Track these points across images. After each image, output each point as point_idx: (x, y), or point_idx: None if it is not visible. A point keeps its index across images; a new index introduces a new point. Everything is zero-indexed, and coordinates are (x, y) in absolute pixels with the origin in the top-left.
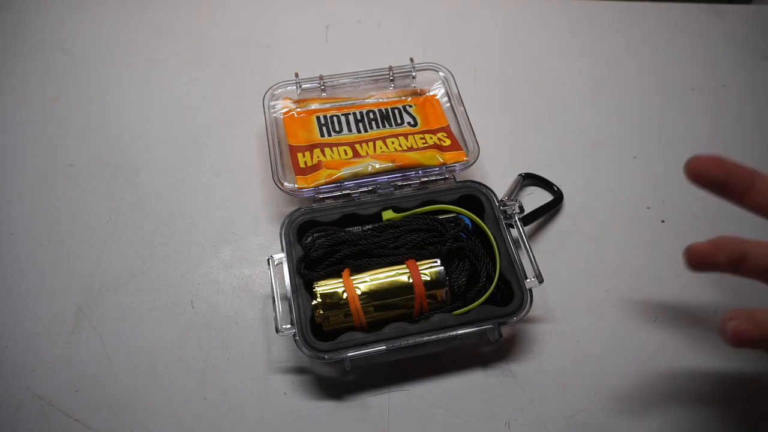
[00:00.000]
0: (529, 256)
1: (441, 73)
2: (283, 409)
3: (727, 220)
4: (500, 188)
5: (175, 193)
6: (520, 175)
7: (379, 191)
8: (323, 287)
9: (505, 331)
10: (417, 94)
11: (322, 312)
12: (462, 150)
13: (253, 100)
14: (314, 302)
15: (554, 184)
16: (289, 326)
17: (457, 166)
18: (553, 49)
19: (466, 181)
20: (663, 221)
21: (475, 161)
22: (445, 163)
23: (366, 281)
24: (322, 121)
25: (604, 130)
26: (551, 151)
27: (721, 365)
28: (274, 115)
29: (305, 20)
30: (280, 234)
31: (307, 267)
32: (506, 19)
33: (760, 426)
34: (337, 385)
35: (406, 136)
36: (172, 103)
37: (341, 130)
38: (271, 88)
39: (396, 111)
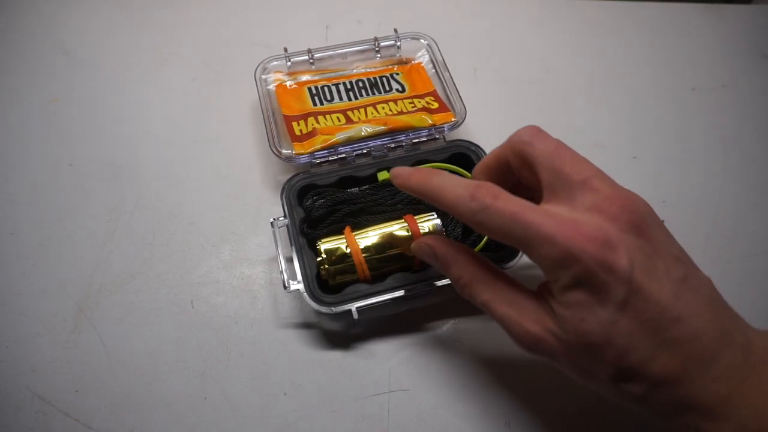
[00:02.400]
0: None
1: (424, 41)
2: (283, 408)
3: (727, 220)
4: None
5: (175, 193)
6: None
7: (373, 154)
8: (327, 243)
9: None
10: (403, 62)
11: (327, 267)
12: (450, 111)
13: (252, 100)
14: (319, 258)
15: None
16: (296, 282)
17: (446, 127)
18: (553, 49)
19: (456, 140)
20: (663, 221)
21: (462, 121)
22: (434, 125)
23: (368, 235)
24: (314, 92)
25: (604, 130)
26: None
27: None
28: (267, 87)
29: (305, 20)
30: (281, 198)
31: (310, 227)
32: (506, 19)
33: None
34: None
35: (395, 101)
36: (172, 103)
37: (332, 98)
38: (262, 62)
39: (384, 79)
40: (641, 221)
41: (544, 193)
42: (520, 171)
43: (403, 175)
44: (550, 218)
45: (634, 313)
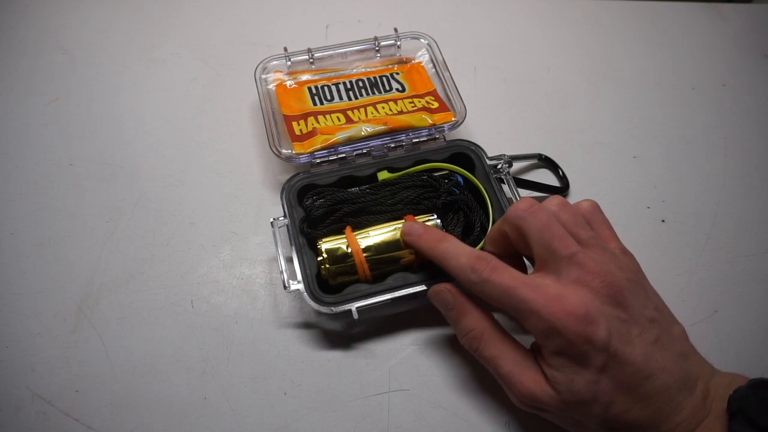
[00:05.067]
0: None
1: (424, 41)
2: (283, 408)
3: (727, 219)
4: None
5: (175, 193)
6: (539, 154)
7: (373, 153)
8: (328, 243)
9: None
10: (403, 62)
11: (328, 266)
12: (450, 111)
13: (252, 100)
14: (320, 258)
15: (565, 178)
16: (296, 282)
17: (446, 127)
18: (552, 48)
19: (456, 140)
20: (663, 221)
21: (462, 121)
22: (434, 124)
23: (368, 236)
24: (314, 91)
25: (604, 129)
26: (551, 151)
27: (719, 363)
28: (267, 87)
29: (305, 20)
30: (281, 197)
31: (310, 226)
32: (506, 18)
33: None
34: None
35: (395, 101)
36: (172, 103)
37: (333, 98)
38: (262, 62)
39: (384, 78)
40: (619, 293)
41: (536, 263)
42: (517, 243)
43: (414, 234)
44: (538, 293)
45: (612, 374)
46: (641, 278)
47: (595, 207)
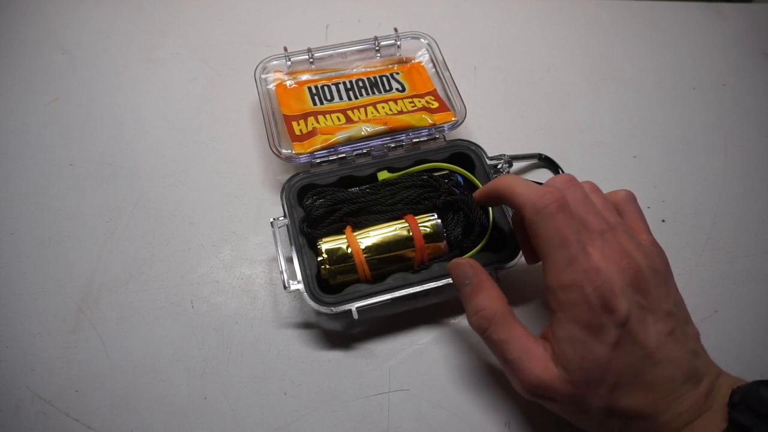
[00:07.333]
0: None
1: (424, 41)
2: (283, 408)
3: (727, 219)
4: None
5: (175, 193)
6: (539, 154)
7: (373, 153)
8: (328, 243)
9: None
10: (403, 62)
11: (328, 266)
12: (450, 111)
13: (252, 100)
14: (320, 258)
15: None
16: (296, 282)
17: (446, 127)
18: (552, 48)
19: (456, 139)
20: (663, 221)
21: (462, 121)
22: (434, 124)
23: (369, 236)
24: (314, 91)
25: (604, 129)
26: (551, 151)
27: (719, 363)
28: (267, 87)
29: (305, 20)
30: (281, 197)
31: (310, 226)
32: (506, 18)
33: None
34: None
35: (395, 101)
36: (172, 103)
37: (332, 98)
38: (262, 61)
39: (384, 78)
40: (641, 279)
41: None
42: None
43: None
44: (575, 267)
45: (623, 354)
46: (666, 273)
47: (631, 197)
